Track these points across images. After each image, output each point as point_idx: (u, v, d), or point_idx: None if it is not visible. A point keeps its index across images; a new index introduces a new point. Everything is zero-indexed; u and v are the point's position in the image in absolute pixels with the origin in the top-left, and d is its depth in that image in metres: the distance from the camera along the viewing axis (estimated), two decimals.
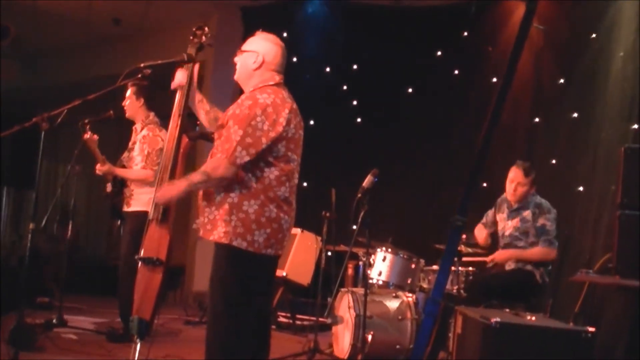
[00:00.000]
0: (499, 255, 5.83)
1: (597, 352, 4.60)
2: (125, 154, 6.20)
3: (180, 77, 4.05)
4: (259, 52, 3.82)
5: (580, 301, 5.16)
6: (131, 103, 6.17)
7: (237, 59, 3.89)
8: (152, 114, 6.22)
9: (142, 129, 6.16)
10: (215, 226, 3.65)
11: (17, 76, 12.20)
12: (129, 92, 6.16)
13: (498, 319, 3.92)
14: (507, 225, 5.87)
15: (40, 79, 12.06)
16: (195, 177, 3.68)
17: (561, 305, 5.82)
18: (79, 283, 8.72)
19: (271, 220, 3.63)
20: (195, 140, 4.17)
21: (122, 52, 10.49)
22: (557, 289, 5.94)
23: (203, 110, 4.05)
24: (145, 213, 5.78)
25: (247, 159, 3.56)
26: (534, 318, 4.24)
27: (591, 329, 3.93)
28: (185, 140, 4.04)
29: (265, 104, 3.61)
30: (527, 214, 5.73)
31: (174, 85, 4.08)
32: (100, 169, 6.04)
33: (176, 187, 3.78)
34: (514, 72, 3.35)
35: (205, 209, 3.71)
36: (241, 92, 3.97)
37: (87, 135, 5.99)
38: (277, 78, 3.81)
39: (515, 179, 5.79)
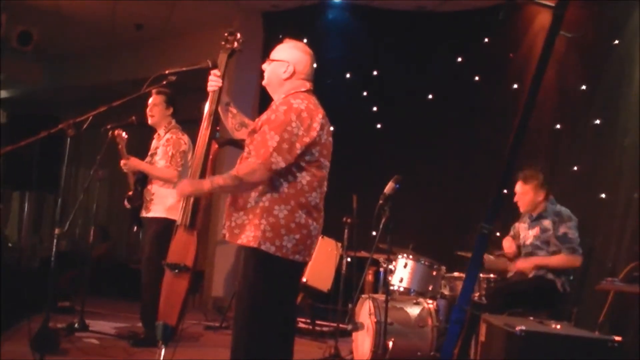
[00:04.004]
0: (522, 263, 5.79)
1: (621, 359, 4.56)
2: (148, 159, 6.22)
3: (214, 81, 4.04)
4: (290, 61, 3.82)
5: (605, 310, 5.12)
6: (160, 111, 6.16)
7: (265, 67, 3.89)
8: (173, 121, 6.25)
9: (165, 133, 6.18)
10: (243, 230, 3.64)
11: (42, 79, 12.31)
12: (153, 99, 6.16)
13: (523, 327, 3.91)
14: (527, 235, 5.84)
15: (64, 82, 12.16)
16: (223, 180, 3.67)
17: (586, 314, 5.77)
18: (100, 287, 8.77)
19: (301, 226, 3.62)
20: (223, 146, 4.18)
21: (145, 56, 10.55)
22: (581, 297, 5.89)
23: (230, 113, 4.05)
24: (165, 219, 5.86)
25: (282, 165, 3.56)
26: (559, 326, 4.21)
27: (618, 338, 3.90)
28: (214, 146, 4.05)
29: (300, 109, 3.62)
30: (548, 223, 5.70)
31: (209, 88, 4.07)
32: (125, 163, 6.05)
33: (198, 184, 3.80)
34: (540, 81, 3.34)
35: (233, 213, 3.70)
36: (264, 95, 3.98)
37: (117, 132, 6.03)
38: (308, 85, 3.83)
39: (518, 191, 5.84)
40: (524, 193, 5.79)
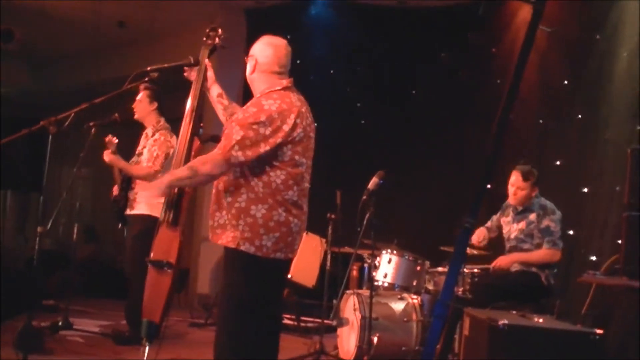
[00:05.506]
0: (502, 260, 5.80)
1: (608, 354, 4.60)
2: (134, 159, 6.20)
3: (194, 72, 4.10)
4: (254, 55, 3.83)
5: (588, 303, 5.15)
6: (143, 105, 6.18)
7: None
8: (162, 120, 6.24)
9: (153, 133, 6.18)
10: (224, 230, 3.64)
11: (25, 80, 12.24)
12: (140, 95, 6.18)
13: (506, 321, 3.93)
14: (512, 229, 5.86)
15: (48, 82, 12.09)
16: (180, 171, 3.71)
17: (569, 307, 5.81)
18: (85, 286, 8.74)
19: (280, 224, 3.61)
20: (206, 142, 4.18)
21: (129, 55, 10.52)
22: (564, 290, 5.93)
23: (222, 105, 4.06)
24: (149, 217, 5.85)
25: (241, 159, 3.53)
26: (541, 320, 4.24)
27: (599, 331, 3.93)
28: (197, 142, 4.05)
29: (270, 111, 3.58)
30: (533, 216, 5.72)
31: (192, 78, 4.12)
32: (108, 154, 6.03)
33: (158, 182, 3.77)
34: (521, 75, 3.35)
35: (215, 213, 3.70)
36: (247, 92, 4.00)
37: (109, 138, 6.03)
38: (285, 82, 3.77)
39: (514, 183, 5.81)
40: (522, 188, 5.76)
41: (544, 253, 5.61)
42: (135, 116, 6.22)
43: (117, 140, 6.04)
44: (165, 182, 3.72)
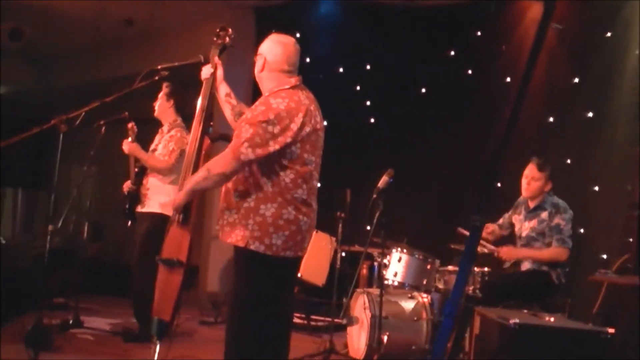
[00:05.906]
0: (507, 252, 5.77)
1: (611, 351, 4.58)
2: (149, 154, 6.21)
3: (205, 71, 4.10)
4: (262, 53, 3.83)
5: (600, 302, 5.13)
6: (161, 103, 6.22)
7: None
8: (179, 119, 6.26)
9: (169, 130, 6.20)
10: (234, 229, 3.65)
11: (30, 78, 12.25)
12: (161, 92, 6.23)
13: (517, 320, 3.92)
14: (523, 227, 5.82)
15: (53, 81, 12.09)
16: (196, 175, 3.72)
17: (579, 305, 5.79)
18: (94, 284, 8.75)
19: (289, 222, 3.62)
20: (216, 141, 4.19)
21: (134, 54, 10.50)
22: (571, 289, 5.90)
23: (229, 104, 4.07)
24: (159, 215, 5.85)
25: (251, 157, 3.54)
26: (552, 319, 4.23)
27: (611, 330, 3.92)
28: (207, 141, 4.06)
29: (279, 110, 3.59)
30: (545, 214, 5.67)
31: (203, 77, 4.13)
32: (127, 143, 6.06)
33: (183, 191, 3.81)
34: (532, 74, 3.32)
35: (225, 211, 3.71)
36: (256, 90, 4.00)
37: (131, 125, 6.08)
38: (293, 81, 3.77)
39: (529, 174, 5.75)
40: (536, 179, 5.70)
41: (551, 251, 5.57)
42: (155, 114, 6.26)
43: (137, 129, 6.07)
44: (188, 189, 3.75)
